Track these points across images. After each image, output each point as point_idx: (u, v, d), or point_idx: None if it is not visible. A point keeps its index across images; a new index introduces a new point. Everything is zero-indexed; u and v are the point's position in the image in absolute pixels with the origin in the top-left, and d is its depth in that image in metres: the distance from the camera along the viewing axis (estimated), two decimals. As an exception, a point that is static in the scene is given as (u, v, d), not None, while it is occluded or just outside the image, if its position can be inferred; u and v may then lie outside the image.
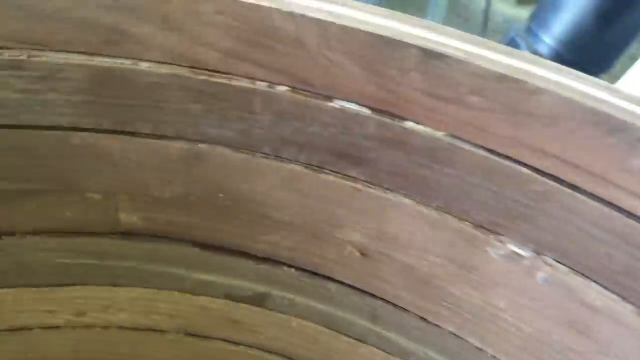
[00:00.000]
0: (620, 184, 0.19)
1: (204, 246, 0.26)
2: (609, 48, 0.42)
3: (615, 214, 0.20)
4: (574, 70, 0.20)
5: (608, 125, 0.19)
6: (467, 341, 0.25)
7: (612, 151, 0.19)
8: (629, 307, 0.21)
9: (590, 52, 0.42)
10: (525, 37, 0.44)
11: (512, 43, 0.44)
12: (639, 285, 0.20)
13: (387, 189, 0.23)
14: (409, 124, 0.22)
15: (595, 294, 0.21)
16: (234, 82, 0.21)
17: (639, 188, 0.19)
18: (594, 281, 0.21)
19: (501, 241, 0.22)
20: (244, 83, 0.21)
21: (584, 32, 0.41)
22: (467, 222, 0.23)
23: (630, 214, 0.20)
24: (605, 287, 0.21)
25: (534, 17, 0.44)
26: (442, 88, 0.20)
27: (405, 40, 0.20)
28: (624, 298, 0.21)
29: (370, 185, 0.24)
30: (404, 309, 0.26)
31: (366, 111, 0.22)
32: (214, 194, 0.24)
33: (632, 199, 0.19)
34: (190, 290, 0.27)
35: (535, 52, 0.43)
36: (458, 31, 0.21)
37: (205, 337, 0.28)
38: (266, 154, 0.24)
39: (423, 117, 0.21)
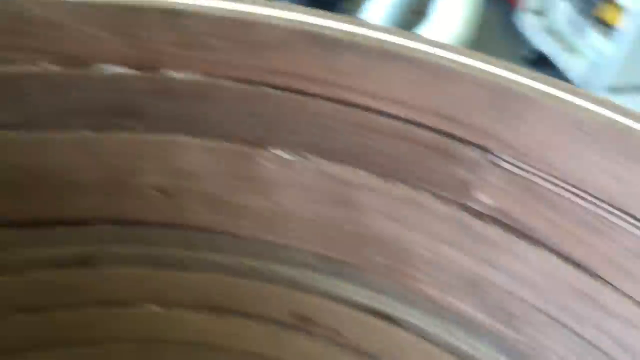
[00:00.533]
0: (337, 84, 0.25)
1: (20, 225, 0.28)
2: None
3: (344, 107, 0.26)
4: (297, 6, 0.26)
5: (323, 43, 0.24)
6: (269, 241, 0.30)
7: (325, 60, 0.25)
8: (375, 176, 0.27)
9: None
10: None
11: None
12: (377, 159, 0.27)
13: (168, 132, 0.27)
14: (170, 73, 0.26)
15: (352, 174, 0.27)
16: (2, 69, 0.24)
17: (350, 83, 0.25)
18: (350, 165, 0.27)
19: (271, 152, 0.28)
20: (12, 68, 0.24)
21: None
22: (238, 144, 0.28)
23: (354, 105, 0.26)
24: (357, 167, 0.27)
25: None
26: (186, 38, 0.25)
27: (145, 5, 0.24)
28: (368, 171, 0.27)
29: (154, 133, 0.27)
30: (214, 231, 0.31)
31: (131, 71, 0.26)
32: (9, 176, 0.27)
33: (347, 92, 0.25)
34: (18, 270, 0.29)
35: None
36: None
37: (42, 308, 0.31)
38: (55, 128, 0.27)
39: (179, 65, 0.26)
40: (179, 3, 0.25)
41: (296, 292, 0.31)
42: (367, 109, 0.26)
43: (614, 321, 0.24)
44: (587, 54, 1.70)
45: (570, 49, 1.76)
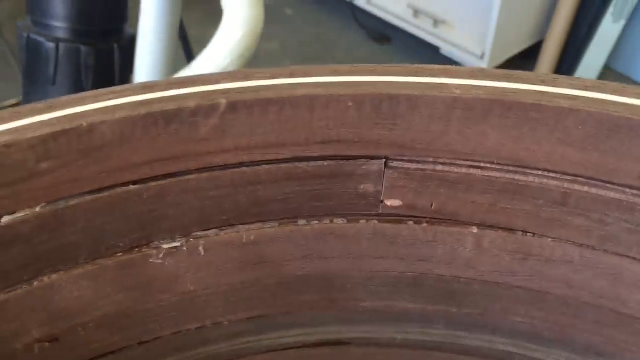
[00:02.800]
0: (200, 152, 0.22)
1: None
2: (111, 1, 0.44)
3: (218, 172, 0.23)
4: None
5: (165, 119, 0.21)
6: (191, 329, 0.27)
7: (176, 135, 0.21)
8: (272, 223, 0.25)
9: (100, 11, 0.43)
10: (39, 32, 0.43)
11: (31, 43, 0.43)
12: (274, 207, 0.24)
13: (32, 279, 0.23)
14: (5, 220, 0.21)
15: (246, 232, 0.25)
16: None
17: (213, 146, 0.22)
18: (240, 224, 0.25)
19: (155, 247, 0.24)
20: None
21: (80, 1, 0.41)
22: (118, 255, 0.24)
23: (228, 166, 0.23)
24: (248, 223, 0.25)
25: (30, 11, 0.43)
26: (15, 174, 0.20)
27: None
28: (263, 221, 0.25)
29: (19, 285, 0.23)
30: (121, 349, 0.27)
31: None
32: None
33: (214, 156, 0.22)
34: None
35: (57, 39, 0.42)
36: None
37: None
38: None
39: (14, 207, 0.21)
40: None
41: (238, 363, 0.29)
42: (242, 164, 0.23)
43: (557, 266, 0.24)
44: None
45: None
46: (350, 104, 0.22)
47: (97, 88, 0.42)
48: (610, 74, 1.65)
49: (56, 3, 0.42)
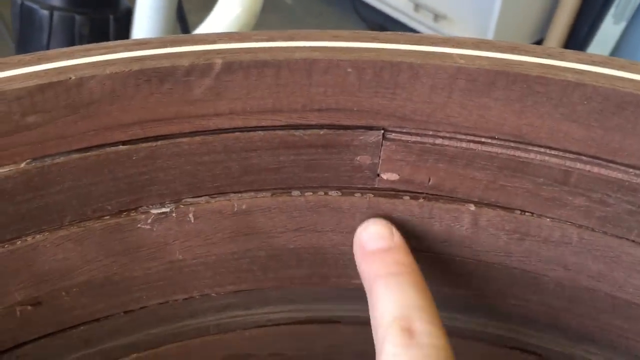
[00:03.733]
0: (194, 114, 0.21)
1: None
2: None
3: (211, 137, 0.22)
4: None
5: (156, 77, 0.20)
6: (179, 300, 0.27)
7: (170, 95, 0.21)
8: (265, 193, 0.24)
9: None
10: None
11: (25, 10, 0.42)
12: (267, 176, 0.24)
13: (15, 238, 0.22)
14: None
15: (237, 200, 0.24)
16: None
17: (207, 109, 0.21)
18: (232, 192, 0.24)
19: (144, 212, 0.23)
20: None
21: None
22: (105, 218, 0.23)
23: (222, 130, 0.22)
24: (240, 192, 0.24)
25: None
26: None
27: None
28: (255, 190, 0.24)
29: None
30: (107, 317, 0.26)
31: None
32: None
33: (208, 119, 0.22)
34: None
35: (51, 7, 0.41)
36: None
37: None
38: None
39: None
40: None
41: (227, 335, 0.28)
42: (236, 129, 0.22)
43: (554, 247, 0.24)
44: None
45: None
46: (350, 70, 0.21)
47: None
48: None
49: (52, -31, 0.41)
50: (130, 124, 0.21)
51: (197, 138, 0.22)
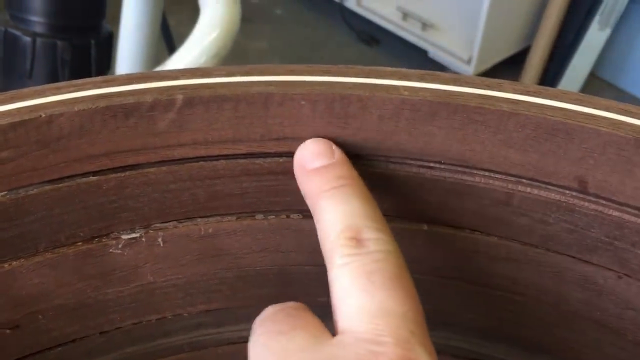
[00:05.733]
0: (159, 145, 0.23)
1: None
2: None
3: (176, 166, 0.24)
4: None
5: (123, 112, 0.22)
6: (152, 320, 0.28)
7: (135, 129, 0.22)
8: (230, 217, 0.26)
9: (77, 6, 0.44)
10: (16, 27, 0.43)
11: (9, 36, 0.44)
12: (231, 201, 0.25)
13: None
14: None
15: (204, 225, 0.25)
16: None
17: (171, 140, 0.23)
18: (199, 217, 0.25)
19: (115, 237, 0.25)
20: None
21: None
22: (78, 244, 0.24)
23: (186, 159, 0.24)
24: (206, 216, 0.25)
25: (8, 4, 0.44)
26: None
27: None
28: (221, 215, 0.25)
29: None
30: (81, 338, 0.27)
31: None
32: None
33: (173, 149, 0.23)
34: None
35: (34, 34, 0.43)
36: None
37: None
38: None
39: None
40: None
41: (200, 352, 0.30)
42: (200, 158, 0.24)
43: (503, 264, 0.25)
44: None
45: None
46: (304, 102, 0.23)
47: (73, 82, 0.42)
48: (595, 81, 1.67)
49: (34, -2, 0.42)
50: (99, 156, 0.23)
51: (164, 167, 0.24)
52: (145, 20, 0.55)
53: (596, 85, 1.67)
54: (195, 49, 0.44)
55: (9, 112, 0.21)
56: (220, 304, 0.28)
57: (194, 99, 0.22)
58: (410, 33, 1.64)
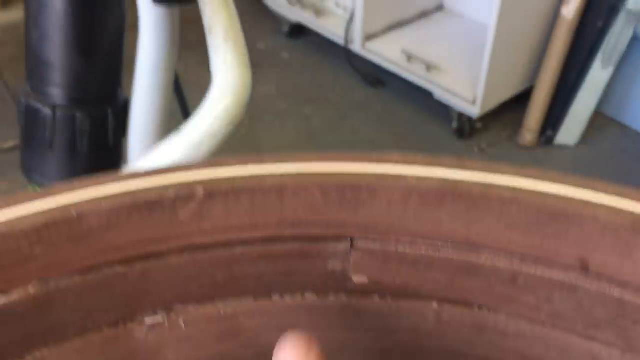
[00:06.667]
0: (181, 235, 0.24)
1: None
2: (105, 69, 0.46)
3: (198, 254, 0.25)
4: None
5: (146, 207, 0.23)
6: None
7: (159, 221, 0.24)
8: (248, 298, 0.27)
9: (94, 79, 0.46)
10: (37, 98, 0.45)
11: (30, 109, 0.45)
12: (249, 284, 0.26)
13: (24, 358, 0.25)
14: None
15: (223, 306, 0.27)
16: None
17: (191, 229, 0.24)
18: (218, 299, 0.27)
19: (139, 322, 0.26)
20: None
21: (76, 69, 0.44)
22: (104, 330, 0.26)
23: (206, 246, 0.25)
24: (225, 298, 0.27)
25: (29, 77, 0.46)
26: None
27: None
28: (239, 296, 0.27)
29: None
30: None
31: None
32: None
33: (194, 237, 0.24)
34: None
35: (54, 106, 0.45)
36: None
37: None
38: None
39: (6, 285, 0.23)
40: None
41: None
42: (219, 244, 0.25)
43: (511, 339, 0.26)
44: (337, 12, 1.80)
45: (321, 13, 1.85)
46: (316, 191, 0.24)
47: (91, 151, 0.44)
48: (600, 118, 1.69)
49: (54, 72, 0.44)
50: (124, 247, 0.24)
51: (185, 254, 0.25)
52: (158, 84, 0.57)
53: (600, 121, 1.68)
54: (209, 117, 0.46)
55: (42, 212, 0.23)
56: (238, 379, 0.29)
57: (214, 192, 0.24)
58: (415, 75, 1.67)
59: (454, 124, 1.64)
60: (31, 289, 0.23)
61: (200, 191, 0.24)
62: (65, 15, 0.42)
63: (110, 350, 0.26)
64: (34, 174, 0.47)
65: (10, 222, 0.22)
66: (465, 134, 1.64)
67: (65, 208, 0.23)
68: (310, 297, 0.27)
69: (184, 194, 0.23)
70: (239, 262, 0.25)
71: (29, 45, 0.44)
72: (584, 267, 0.24)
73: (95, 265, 0.24)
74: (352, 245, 0.26)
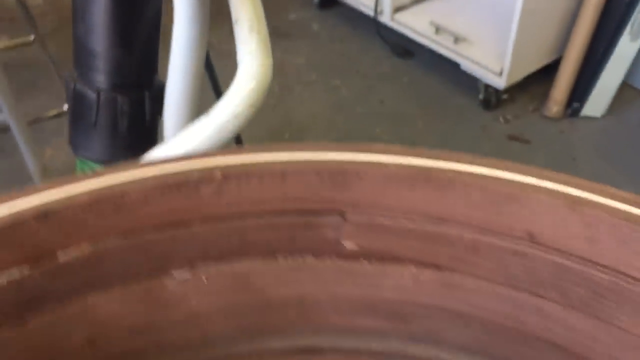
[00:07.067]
0: (203, 206, 0.30)
1: None
2: (143, 57, 0.52)
3: (223, 223, 0.31)
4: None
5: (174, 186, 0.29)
6: (199, 347, 0.35)
7: (184, 197, 0.29)
8: (257, 259, 0.33)
9: (134, 66, 0.52)
10: (83, 83, 0.51)
11: (77, 93, 0.52)
12: (259, 245, 0.32)
13: (78, 302, 0.31)
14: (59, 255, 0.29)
15: (238, 265, 0.33)
16: None
17: (211, 201, 0.30)
18: (234, 258, 0.33)
19: (170, 277, 0.32)
20: None
21: (117, 58, 0.50)
22: (142, 280, 0.32)
23: (228, 216, 0.31)
24: (239, 258, 0.32)
25: (76, 64, 0.52)
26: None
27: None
28: (251, 258, 0.32)
29: (66, 305, 0.31)
30: None
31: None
32: None
33: (216, 207, 0.30)
34: None
35: (98, 90, 0.51)
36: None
37: None
38: None
39: (67, 245, 0.29)
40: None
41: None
42: (235, 215, 0.31)
43: (475, 295, 0.32)
44: (366, -16, 1.82)
45: (350, -15, 1.87)
46: (313, 175, 0.29)
47: (130, 129, 0.50)
48: (627, 90, 1.69)
49: (98, 60, 0.50)
50: (157, 217, 0.30)
51: (206, 223, 0.31)
52: (190, 63, 0.63)
53: (628, 93, 1.69)
54: (234, 100, 0.51)
55: (94, 189, 0.29)
56: (251, 324, 0.35)
57: (230, 175, 0.29)
58: (442, 46, 1.69)
59: (481, 96, 1.67)
60: (85, 248, 0.30)
61: (218, 174, 0.29)
62: (108, 10, 0.48)
63: (146, 298, 0.32)
64: (80, 149, 0.54)
65: (70, 197, 0.28)
66: (492, 105, 1.67)
67: (112, 187, 0.29)
68: (309, 260, 0.33)
69: (205, 177, 0.29)
70: (250, 230, 0.31)
71: (76, 37, 0.50)
72: (531, 238, 0.29)
73: (135, 230, 0.30)
74: (343, 218, 0.31)
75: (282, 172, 0.29)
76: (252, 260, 0.33)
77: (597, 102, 1.62)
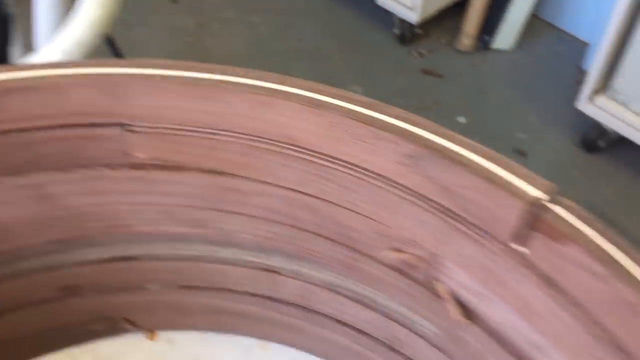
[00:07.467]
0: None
1: None
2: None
3: (8, 136, 0.33)
4: None
5: None
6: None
7: None
8: (56, 171, 0.35)
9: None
10: None
11: None
12: (50, 160, 0.34)
13: None
14: None
15: (36, 177, 0.35)
16: None
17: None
18: (32, 172, 0.35)
19: None
20: None
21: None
22: None
23: (16, 130, 0.33)
24: (38, 171, 0.35)
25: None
26: None
27: None
28: (50, 171, 0.35)
29: None
30: None
31: None
32: None
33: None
34: None
35: None
36: None
37: None
38: None
39: None
40: None
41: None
42: (22, 130, 0.33)
43: (253, 197, 0.35)
44: None
45: None
46: (90, 89, 0.32)
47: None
48: (536, 22, 1.74)
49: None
50: None
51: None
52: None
53: (538, 26, 1.74)
54: (80, 27, 0.52)
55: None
56: (61, 236, 0.38)
57: (11, 89, 0.31)
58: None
59: (396, 30, 1.69)
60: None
61: None
62: None
63: None
64: None
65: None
66: (407, 39, 1.69)
67: None
68: (105, 171, 0.35)
69: None
70: (38, 144, 0.33)
71: None
72: (291, 141, 0.32)
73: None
74: (129, 130, 0.33)
75: (61, 85, 0.31)
76: (48, 172, 0.35)
77: (507, 34, 1.67)
